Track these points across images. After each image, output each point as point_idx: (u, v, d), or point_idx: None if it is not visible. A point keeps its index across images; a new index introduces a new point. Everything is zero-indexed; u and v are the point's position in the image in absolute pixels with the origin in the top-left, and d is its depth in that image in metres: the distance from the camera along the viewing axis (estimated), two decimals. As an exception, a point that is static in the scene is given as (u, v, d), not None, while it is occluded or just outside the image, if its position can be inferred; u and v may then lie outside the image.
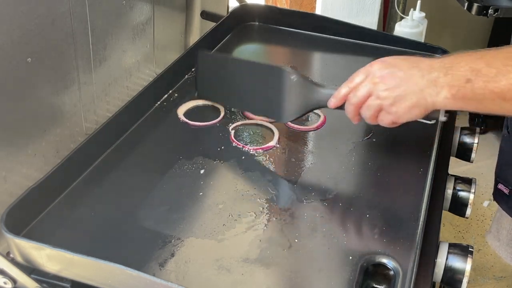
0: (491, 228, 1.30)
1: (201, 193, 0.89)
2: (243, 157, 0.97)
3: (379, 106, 0.83)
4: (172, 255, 0.78)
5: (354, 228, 0.84)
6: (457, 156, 1.09)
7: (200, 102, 1.10)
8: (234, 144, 1.00)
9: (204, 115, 1.07)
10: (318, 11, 1.92)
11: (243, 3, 1.38)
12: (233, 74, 1.02)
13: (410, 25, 1.54)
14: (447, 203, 0.96)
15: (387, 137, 1.02)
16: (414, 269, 0.74)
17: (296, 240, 0.81)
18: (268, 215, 0.85)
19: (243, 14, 1.38)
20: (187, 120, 1.05)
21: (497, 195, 1.17)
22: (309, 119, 1.07)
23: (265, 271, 0.76)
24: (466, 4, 1.75)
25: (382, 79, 0.82)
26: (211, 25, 1.32)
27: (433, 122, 0.86)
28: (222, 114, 1.07)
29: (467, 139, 1.07)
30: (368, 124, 1.03)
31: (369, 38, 1.31)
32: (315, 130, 1.04)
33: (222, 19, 1.32)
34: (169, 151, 0.98)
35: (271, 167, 0.95)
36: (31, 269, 0.76)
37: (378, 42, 1.30)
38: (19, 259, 0.75)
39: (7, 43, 0.82)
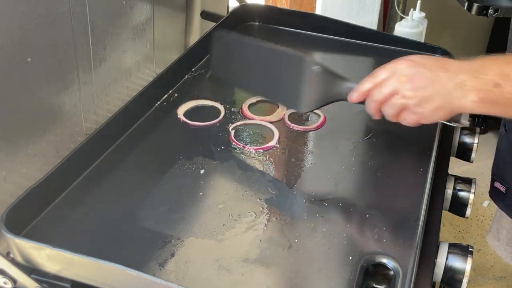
0: (491, 227, 1.30)
1: (201, 193, 0.89)
2: (243, 157, 0.97)
3: (403, 105, 0.81)
4: (172, 255, 0.78)
5: (354, 228, 0.84)
6: (457, 156, 1.09)
7: (200, 102, 1.10)
8: (234, 144, 1.00)
9: (204, 115, 1.07)
10: (318, 11, 1.92)
11: (243, 3, 1.38)
12: (251, 58, 0.99)
13: (410, 25, 1.54)
14: (447, 203, 0.96)
15: (387, 137, 1.02)
16: (414, 269, 0.74)
17: (296, 240, 0.81)
18: (268, 215, 0.85)
19: (243, 14, 1.37)
20: (187, 120, 1.05)
21: (494, 193, 1.17)
22: (309, 119, 1.07)
23: (265, 271, 0.76)
24: (466, 4, 1.75)
25: (409, 78, 0.80)
26: (211, 25, 1.32)
27: (455, 125, 0.85)
28: (222, 114, 1.07)
29: (467, 139, 1.07)
30: (368, 124, 1.04)
31: (369, 38, 1.31)
32: (315, 130, 1.04)
33: (222, 19, 1.32)
34: (169, 151, 0.98)
35: (271, 167, 0.95)
36: (31, 269, 0.76)
37: (378, 42, 1.30)
38: (19, 259, 0.75)
39: (7, 43, 0.82)
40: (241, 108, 1.09)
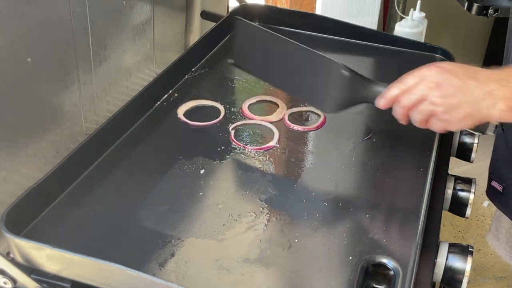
0: (491, 227, 1.30)
1: (201, 193, 0.89)
2: (243, 157, 0.97)
3: (431, 112, 0.81)
4: (172, 255, 0.78)
5: (354, 228, 0.84)
6: (457, 156, 1.09)
7: (200, 102, 1.10)
8: (234, 144, 1.00)
9: (204, 115, 1.07)
10: (318, 11, 1.92)
11: (243, 3, 1.38)
12: (275, 51, 0.98)
13: (410, 25, 1.54)
14: (447, 203, 0.96)
15: (387, 137, 1.02)
16: (414, 269, 0.74)
17: (296, 240, 0.81)
18: (268, 215, 0.85)
19: (243, 14, 1.37)
20: (187, 120, 1.05)
21: (491, 192, 1.17)
22: (309, 119, 1.07)
23: (265, 271, 0.76)
24: (466, 4, 1.75)
25: (438, 85, 0.79)
26: (211, 25, 1.32)
27: (481, 134, 0.86)
28: (222, 114, 1.07)
29: (467, 139, 1.07)
30: (368, 124, 1.04)
31: (369, 38, 1.31)
32: (315, 130, 1.04)
33: (222, 19, 1.32)
34: (169, 151, 0.98)
35: (271, 167, 0.95)
36: (31, 269, 0.76)
37: (378, 42, 1.30)
38: (19, 259, 0.75)
39: (7, 43, 0.82)
40: (241, 108, 1.09)
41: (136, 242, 0.81)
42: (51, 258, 0.73)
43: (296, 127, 1.05)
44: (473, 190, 0.95)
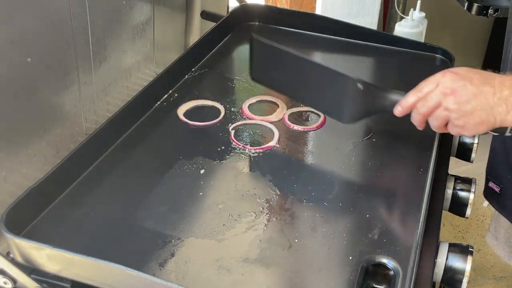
0: (490, 227, 1.30)
1: (201, 193, 0.89)
2: (243, 157, 0.97)
3: (446, 117, 0.82)
4: (172, 255, 0.78)
5: (354, 228, 0.84)
6: (457, 156, 1.09)
7: (200, 102, 1.10)
8: (234, 144, 1.00)
9: (204, 115, 1.07)
10: (318, 11, 1.92)
11: (243, 3, 1.38)
12: (291, 67, 1.00)
13: (410, 25, 1.53)
14: (447, 203, 0.96)
15: (387, 137, 1.02)
16: (414, 269, 0.74)
17: (296, 240, 0.81)
18: (268, 215, 0.85)
19: (243, 14, 1.38)
20: (187, 120, 1.05)
21: (488, 193, 1.17)
22: (309, 119, 1.07)
23: (265, 271, 0.76)
24: (466, 4, 1.75)
25: (453, 91, 0.80)
26: (211, 25, 1.32)
27: (498, 134, 0.87)
28: (222, 114, 1.07)
29: (467, 139, 1.07)
30: (368, 124, 1.04)
31: (369, 38, 1.31)
32: (315, 130, 1.04)
33: (222, 19, 1.32)
34: (169, 151, 0.98)
35: (271, 167, 0.95)
36: (31, 269, 0.76)
37: (378, 42, 1.30)
38: (19, 259, 0.75)
39: (7, 43, 0.82)
40: (241, 108, 1.09)
41: (136, 242, 0.81)
42: (51, 258, 0.73)
43: (296, 127, 1.05)
44: (473, 190, 0.95)
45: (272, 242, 0.80)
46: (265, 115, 1.07)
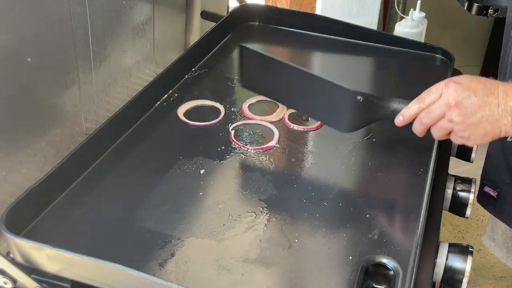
0: (486, 228, 1.30)
1: (201, 193, 0.89)
2: (243, 157, 0.97)
3: (450, 129, 0.82)
4: (172, 255, 0.78)
5: (354, 228, 0.84)
6: (457, 156, 1.09)
7: (200, 102, 1.10)
8: (234, 144, 1.00)
9: (204, 115, 1.07)
10: (318, 11, 1.92)
11: (243, 3, 1.38)
12: (286, 78, 0.98)
13: (410, 25, 1.53)
14: (447, 203, 0.96)
15: (387, 137, 1.02)
16: (414, 269, 0.74)
17: (296, 240, 0.81)
18: (268, 215, 0.85)
19: (243, 14, 1.38)
20: (187, 120, 1.05)
21: (483, 198, 1.16)
22: (309, 119, 1.07)
23: (265, 271, 0.76)
24: (466, 4, 1.75)
25: (458, 103, 0.79)
26: (211, 25, 1.32)
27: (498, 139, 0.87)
28: (222, 114, 1.07)
29: (467, 139, 1.07)
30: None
31: (369, 38, 1.31)
32: (315, 130, 1.04)
33: (222, 19, 1.32)
34: (169, 151, 0.98)
35: (271, 167, 0.95)
36: (31, 269, 0.76)
37: (378, 42, 1.30)
38: (19, 259, 0.75)
39: (7, 43, 0.82)
40: (241, 108, 1.09)
41: (136, 242, 0.81)
42: (51, 258, 0.73)
43: (296, 127, 1.05)
44: (473, 190, 0.95)
45: (272, 242, 0.80)
46: (265, 115, 1.07)
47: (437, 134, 0.85)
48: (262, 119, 1.06)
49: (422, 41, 1.50)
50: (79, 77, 1.00)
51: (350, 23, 1.33)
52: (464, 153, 1.08)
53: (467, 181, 0.97)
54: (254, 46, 1.05)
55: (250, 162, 0.96)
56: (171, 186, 0.90)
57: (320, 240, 0.81)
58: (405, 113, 0.86)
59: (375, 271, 0.77)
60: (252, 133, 1.03)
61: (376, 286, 0.76)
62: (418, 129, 0.86)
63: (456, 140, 0.84)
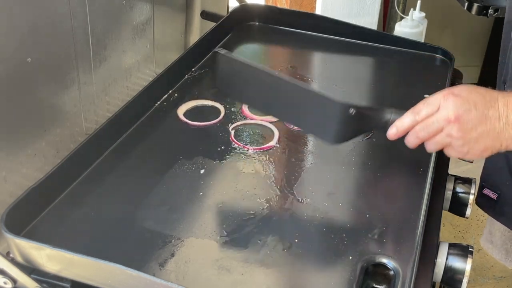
0: (484, 230, 1.29)
1: (201, 193, 0.89)
2: (243, 157, 0.97)
3: (449, 143, 0.80)
4: (172, 255, 0.78)
5: (354, 228, 0.84)
6: (457, 156, 1.09)
7: (200, 102, 1.10)
8: (234, 144, 1.00)
9: (204, 115, 1.07)
10: (318, 11, 1.92)
11: (243, 3, 1.38)
12: (264, 84, 0.92)
13: (410, 25, 1.53)
14: (447, 203, 0.96)
15: (387, 137, 1.02)
16: (414, 269, 0.74)
17: (296, 240, 0.81)
18: (268, 215, 0.85)
19: (243, 14, 1.38)
20: (187, 120, 1.05)
21: (482, 201, 1.15)
22: (309, 119, 1.07)
23: (265, 271, 0.76)
24: (466, 4, 1.75)
25: (458, 118, 0.76)
26: (211, 25, 1.32)
27: None
28: (222, 114, 1.07)
29: (467, 139, 1.07)
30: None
31: (369, 38, 1.31)
32: (315, 130, 1.04)
33: (222, 19, 1.32)
34: (169, 151, 0.98)
35: (271, 167, 0.95)
36: (31, 269, 0.76)
37: (378, 42, 1.30)
38: (19, 259, 0.75)
39: (7, 43, 0.82)
40: (241, 108, 1.09)
41: (136, 242, 0.80)
42: (51, 258, 0.73)
43: (296, 127, 1.04)
44: (473, 191, 0.95)
45: (272, 242, 0.80)
46: (265, 115, 1.07)
47: (433, 148, 0.82)
48: (262, 119, 1.06)
49: (422, 41, 1.50)
50: (79, 77, 1.00)
51: (350, 23, 1.33)
52: (464, 153, 1.08)
53: (467, 181, 0.97)
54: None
55: (250, 162, 0.96)
56: (171, 186, 0.90)
57: (320, 240, 0.81)
58: (399, 125, 0.83)
59: (375, 271, 0.77)
60: (252, 133, 1.03)
61: (376, 286, 0.76)
62: (412, 142, 0.83)
63: (453, 154, 0.81)
